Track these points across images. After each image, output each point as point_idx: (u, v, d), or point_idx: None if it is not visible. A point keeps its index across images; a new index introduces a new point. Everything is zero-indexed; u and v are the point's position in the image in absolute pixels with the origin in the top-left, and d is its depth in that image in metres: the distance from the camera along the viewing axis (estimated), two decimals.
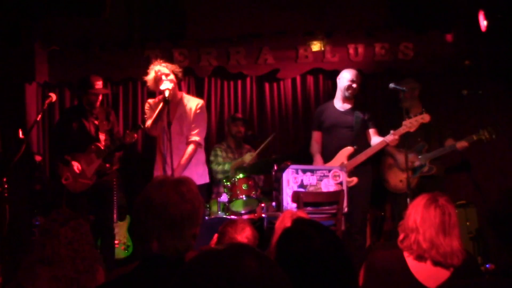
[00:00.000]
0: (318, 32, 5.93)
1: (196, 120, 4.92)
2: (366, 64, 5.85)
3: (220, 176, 5.46)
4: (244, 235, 3.20)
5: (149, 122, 4.87)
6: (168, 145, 4.57)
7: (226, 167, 5.49)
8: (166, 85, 4.70)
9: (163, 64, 4.82)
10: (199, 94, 5.94)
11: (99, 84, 5.00)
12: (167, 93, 4.64)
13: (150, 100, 5.11)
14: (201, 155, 5.08)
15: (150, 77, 4.84)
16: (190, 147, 4.86)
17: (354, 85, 5.21)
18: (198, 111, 4.94)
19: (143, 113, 5.75)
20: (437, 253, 2.37)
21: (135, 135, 4.90)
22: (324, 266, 1.69)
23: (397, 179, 5.30)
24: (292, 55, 5.95)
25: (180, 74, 4.94)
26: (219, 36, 6.01)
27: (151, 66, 4.87)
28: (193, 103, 4.98)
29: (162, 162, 4.86)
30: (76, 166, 4.90)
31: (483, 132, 5.18)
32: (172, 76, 4.80)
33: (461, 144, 5.19)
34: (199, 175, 4.91)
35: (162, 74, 4.76)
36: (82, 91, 5.04)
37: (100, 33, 6.01)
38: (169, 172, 4.60)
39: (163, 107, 4.70)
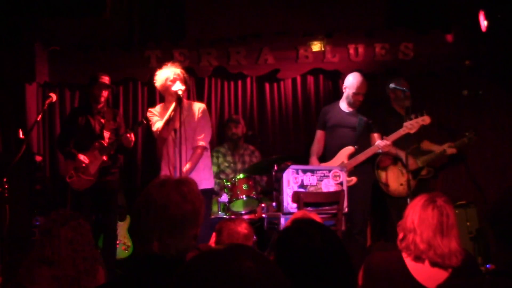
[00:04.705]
0: (318, 32, 5.93)
1: (200, 124, 4.91)
2: (366, 64, 5.85)
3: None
4: (244, 226, 3.39)
5: (159, 124, 4.84)
6: (179, 144, 4.57)
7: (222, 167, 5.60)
8: (179, 86, 4.70)
9: (180, 70, 4.83)
10: (199, 94, 5.94)
11: (104, 78, 5.03)
12: (180, 93, 4.65)
13: (152, 109, 5.07)
14: (208, 160, 5.07)
15: (165, 77, 4.81)
16: (196, 152, 4.85)
17: (360, 98, 5.22)
18: (200, 115, 4.94)
19: (144, 113, 5.74)
20: (434, 254, 2.35)
21: (132, 137, 4.85)
22: (324, 264, 1.69)
23: (397, 183, 5.26)
24: (292, 55, 5.94)
25: (189, 82, 5.05)
26: (219, 36, 6.01)
27: (169, 67, 4.83)
28: (195, 107, 4.98)
29: (169, 165, 4.84)
30: (82, 157, 4.88)
31: (470, 134, 5.23)
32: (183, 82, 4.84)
33: (451, 151, 5.22)
34: (206, 179, 4.90)
35: (178, 78, 4.76)
36: (89, 86, 5.08)
37: (100, 33, 6.01)
38: (177, 174, 4.59)
39: (175, 107, 4.69)
